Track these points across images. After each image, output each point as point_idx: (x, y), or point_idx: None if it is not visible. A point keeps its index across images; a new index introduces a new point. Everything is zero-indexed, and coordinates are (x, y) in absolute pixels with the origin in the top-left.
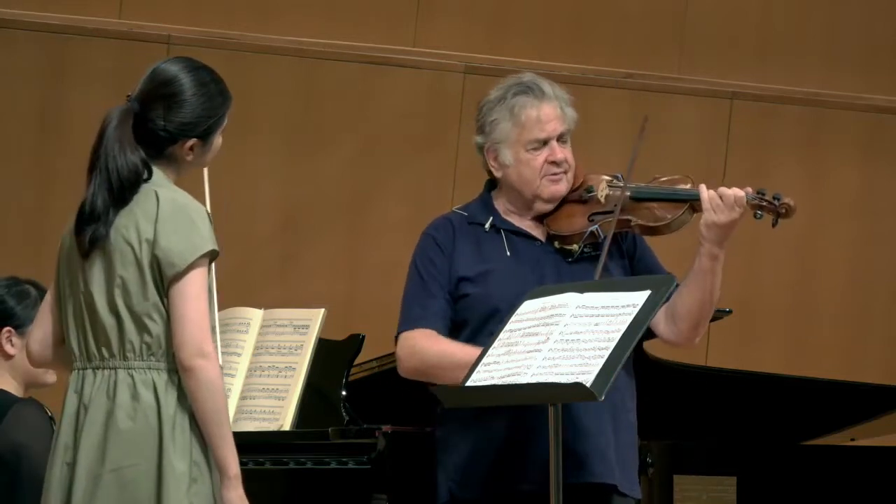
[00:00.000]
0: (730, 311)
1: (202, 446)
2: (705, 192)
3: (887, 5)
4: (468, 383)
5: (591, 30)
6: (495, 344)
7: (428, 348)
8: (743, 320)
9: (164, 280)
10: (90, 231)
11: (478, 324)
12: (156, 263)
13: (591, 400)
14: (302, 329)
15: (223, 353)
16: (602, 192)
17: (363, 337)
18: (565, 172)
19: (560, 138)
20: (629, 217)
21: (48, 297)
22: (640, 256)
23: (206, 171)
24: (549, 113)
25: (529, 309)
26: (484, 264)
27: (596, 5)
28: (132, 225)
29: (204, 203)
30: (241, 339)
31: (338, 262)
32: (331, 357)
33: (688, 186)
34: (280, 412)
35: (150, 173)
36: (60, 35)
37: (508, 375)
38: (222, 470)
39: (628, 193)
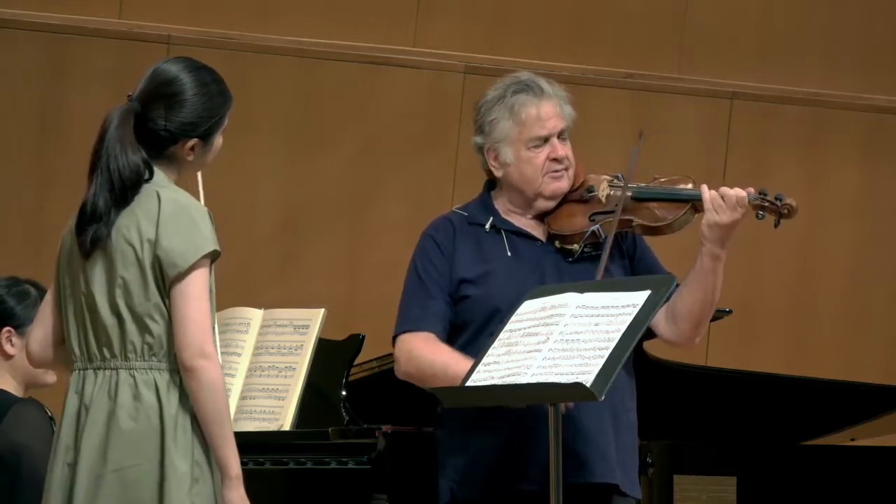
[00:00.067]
0: (730, 311)
1: (204, 446)
2: (707, 193)
3: (887, 5)
4: (468, 383)
5: (591, 30)
6: (495, 344)
7: (426, 356)
8: (743, 320)
9: (166, 280)
10: (91, 231)
11: (479, 324)
12: (157, 264)
13: (591, 400)
14: (302, 329)
15: (223, 353)
16: (603, 191)
17: (363, 337)
18: (566, 169)
19: (560, 135)
20: (630, 217)
21: (48, 297)
22: (640, 256)
23: (199, 174)
24: (549, 110)
25: (529, 309)
26: (484, 265)
27: (596, 5)
28: (133, 225)
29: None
30: (241, 339)
31: (338, 262)
32: (331, 357)
33: (689, 186)
34: (280, 412)
35: (152, 173)
36: (60, 35)
37: (508, 375)
38: (223, 470)
39: (629, 194)
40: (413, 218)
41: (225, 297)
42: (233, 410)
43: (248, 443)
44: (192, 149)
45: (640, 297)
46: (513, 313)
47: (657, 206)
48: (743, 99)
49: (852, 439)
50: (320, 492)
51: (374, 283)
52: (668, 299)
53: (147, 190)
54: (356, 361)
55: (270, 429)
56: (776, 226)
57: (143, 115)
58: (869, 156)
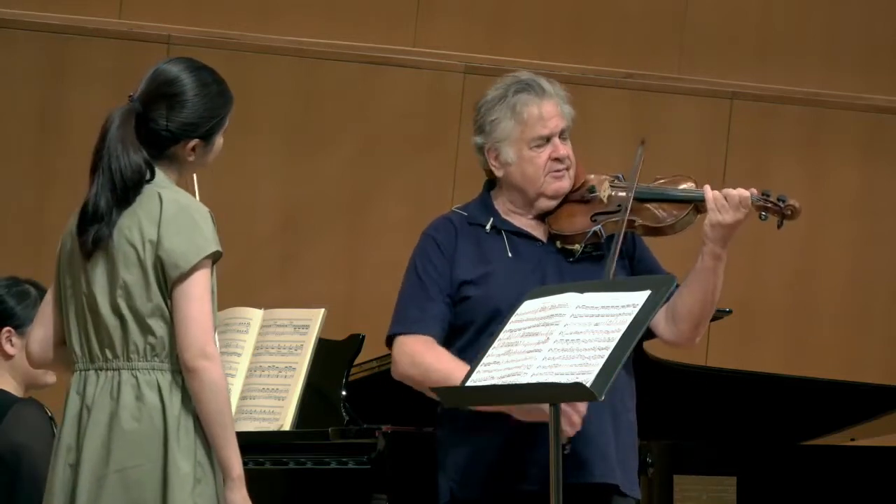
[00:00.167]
0: (730, 311)
1: (206, 447)
2: (710, 193)
3: (887, 5)
4: (468, 383)
5: (591, 30)
6: (495, 344)
7: (430, 363)
8: (743, 320)
9: (168, 281)
10: (93, 232)
11: (480, 325)
12: (159, 265)
13: (591, 400)
14: (302, 329)
15: (223, 353)
16: (605, 192)
17: (363, 337)
18: (568, 169)
19: (561, 135)
20: (633, 217)
21: (48, 298)
22: (639, 257)
23: (195, 176)
24: (551, 110)
25: (529, 309)
26: (485, 266)
27: (596, 5)
28: (135, 226)
29: None
30: (241, 339)
31: (338, 262)
32: (331, 357)
33: (690, 186)
34: (280, 412)
35: (153, 174)
36: (60, 35)
37: (508, 375)
38: (226, 471)
39: (632, 195)
40: (413, 218)
41: (225, 298)
42: (233, 410)
43: (249, 443)
44: (193, 149)
45: (640, 298)
46: (513, 313)
47: (659, 206)
48: (743, 99)
49: (852, 439)
50: (320, 492)
51: (374, 283)
52: (668, 299)
53: (148, 191)
54: (356, 361)
55: (270, 429)
56: (779, 227)
57: (144, 116)
58: (869, 156)
